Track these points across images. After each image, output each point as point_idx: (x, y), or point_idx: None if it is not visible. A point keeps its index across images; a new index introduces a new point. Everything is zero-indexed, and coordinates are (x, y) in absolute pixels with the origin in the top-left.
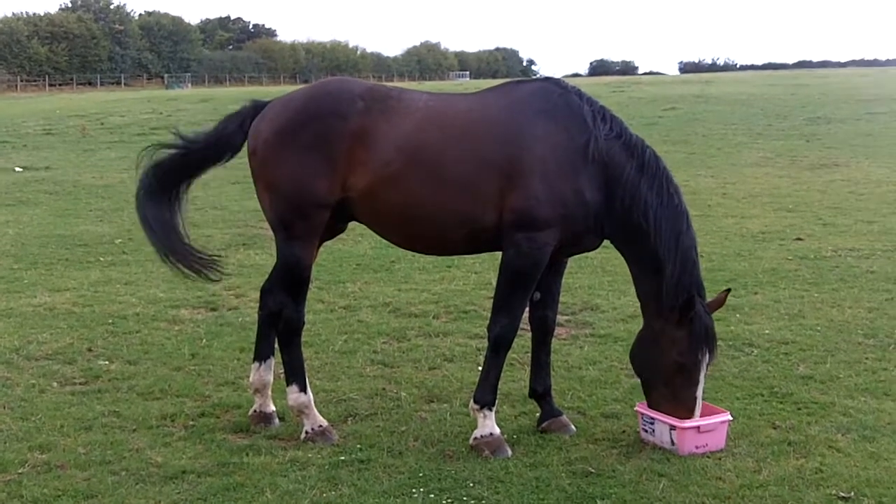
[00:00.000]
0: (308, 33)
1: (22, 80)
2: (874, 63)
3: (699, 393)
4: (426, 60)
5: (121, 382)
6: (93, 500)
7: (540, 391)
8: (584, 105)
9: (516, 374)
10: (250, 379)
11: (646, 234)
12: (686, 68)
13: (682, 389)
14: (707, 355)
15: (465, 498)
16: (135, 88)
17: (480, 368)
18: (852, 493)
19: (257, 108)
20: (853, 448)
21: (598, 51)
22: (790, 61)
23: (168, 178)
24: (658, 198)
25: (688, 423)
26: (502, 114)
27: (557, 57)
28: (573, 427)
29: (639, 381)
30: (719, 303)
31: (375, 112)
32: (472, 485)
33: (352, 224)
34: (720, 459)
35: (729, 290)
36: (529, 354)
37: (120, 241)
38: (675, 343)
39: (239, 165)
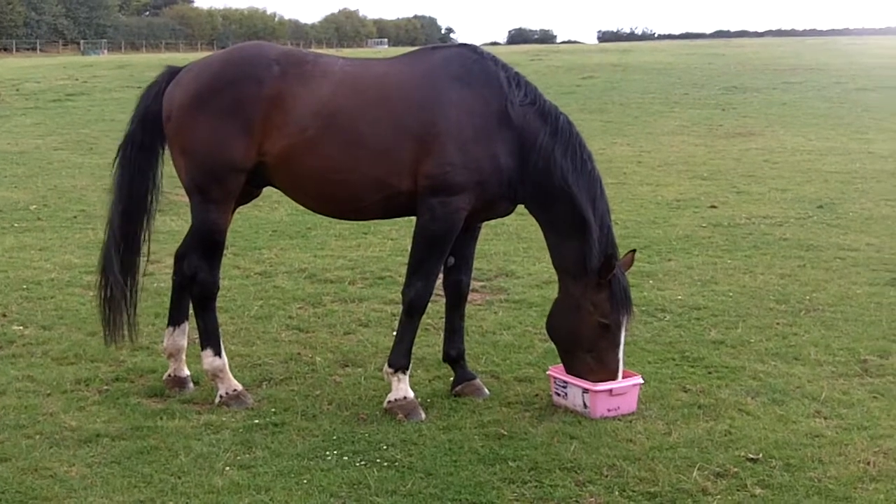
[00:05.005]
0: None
1: None
2: (792, 33)
3: (622, 354)
4: (344, 27)
5: (35, 347)
6: (7, 463)
7: (454, 355)
8: (500, 71)
9: (430, 339)
10: (164, 343)
11: (559, 199)
12: (604, 37)
13: (606, 352)
14: (626, 316)
15: (378, 460)
16: (50, 54)
17: (395, 333)
18: (761, 455)
19: (172, 74)
20: (762, 411)
21: (517, 19)
22: (708, 31)
23: (136, 176)
24: (572, 163)
25: (600, 386)
26: (418, 79)
27: (476, 25)
28: (486, 391)
29: (552, 345)
30: (628, 264)
31: (291, 76)
32: (385, 447)
33: (268, 191)
34: (631, 422)
35: (634, 251)
36: (444, 319)
37: (35, 207)
38: (597, 306)
39: None
